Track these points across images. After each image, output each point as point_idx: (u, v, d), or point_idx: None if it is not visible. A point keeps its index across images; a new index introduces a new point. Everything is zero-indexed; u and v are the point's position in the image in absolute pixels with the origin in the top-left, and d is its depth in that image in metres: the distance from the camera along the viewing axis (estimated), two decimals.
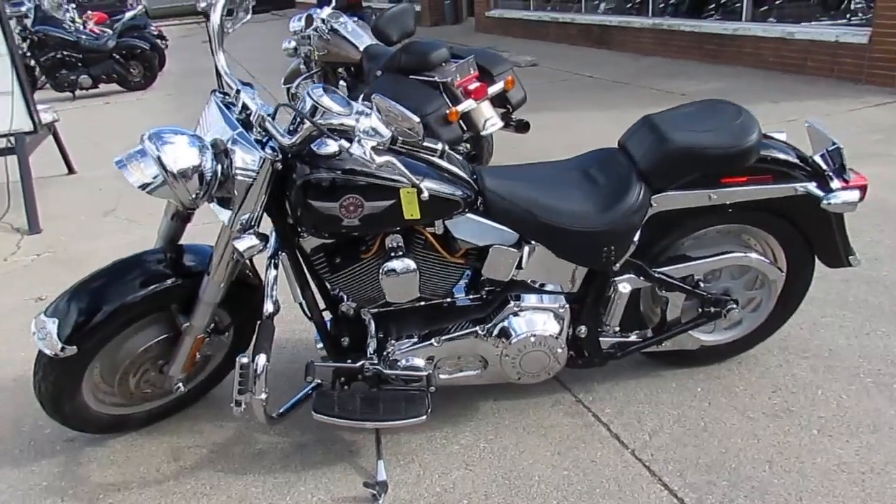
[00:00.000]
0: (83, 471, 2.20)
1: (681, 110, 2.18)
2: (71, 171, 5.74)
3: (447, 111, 4.14)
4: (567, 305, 2.14)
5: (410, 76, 4.35)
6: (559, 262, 2.09)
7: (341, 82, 5.27)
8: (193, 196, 1.84)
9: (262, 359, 1.87)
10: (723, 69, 7.84)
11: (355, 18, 5.38)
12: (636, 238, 2.05)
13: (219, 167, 1.88)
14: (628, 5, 10.05)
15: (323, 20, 5.17)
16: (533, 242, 2.06)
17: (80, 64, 9.47)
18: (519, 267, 2.11)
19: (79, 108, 9.15)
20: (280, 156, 1.84)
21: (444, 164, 1.98)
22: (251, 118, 1.90)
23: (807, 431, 2.13)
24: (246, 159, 1.85)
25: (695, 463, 2.05)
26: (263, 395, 1.89)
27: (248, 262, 2.18)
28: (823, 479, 1.95)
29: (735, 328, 2.39)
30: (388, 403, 2.08)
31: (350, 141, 1.72)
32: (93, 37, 9.90)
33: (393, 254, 2.01)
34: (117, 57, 9.67)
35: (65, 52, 9.33)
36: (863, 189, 2.11)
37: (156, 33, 11.04)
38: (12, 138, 4.60)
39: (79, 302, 2.00)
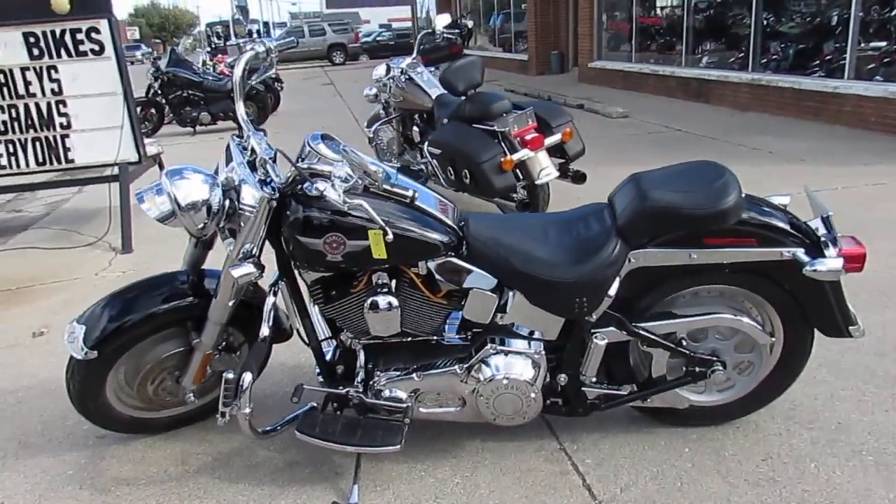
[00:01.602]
0: (104, 465, 2.46)
1: (667, 169, 2.22)
2: None
3: (502, 159, 4.29)
4: (543, 352, 2.20)
5: (473, 125, 4.56)
6: (538, 310, 2.17)
7: (415, 127, 5.55)
8: (200, 226, 2.09)
9: (248, 376, 2.06)
10: (821, 127, 7.56)
11: (432, 69, 5.68)
12: (612, 291, 2.10)
13: (227, 202, 2.12)
14: (730, 59, 9.88)
15: (401, 70, 5.50)
16: (512, 289, 2.16)
17: (202, 102, 10.40)
18: (503, 311, 2.22)
19: (197, 142, 10.02)
20: (276, 195, 2.06)
21: (431, 209, 2.13)
22: (257, 161, 2.14)
23: (785, 503, 2.07)
24: (249, 196, 2.08)
25: None
26: (248, 410, 2.08)
27: (258, 287, 2.40)
28: None
29: (727, 391, 2.36)
30: (367, 430, 2.21)
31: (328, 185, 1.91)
32: (217, 78, 10.85)
33: (379, 290, 2.17)
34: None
35: (189, 92, 10.29)
36: (854, 258, 2.07)
37: (273, 76, 11.92)
38: (117, 167, 5.16)
39: (105, 312, 2.28)
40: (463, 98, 4.85)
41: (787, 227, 2.10)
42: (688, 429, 2.43)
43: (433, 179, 5.20)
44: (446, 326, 2.31)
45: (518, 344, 2.22)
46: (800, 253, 2.07)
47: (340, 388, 2.30)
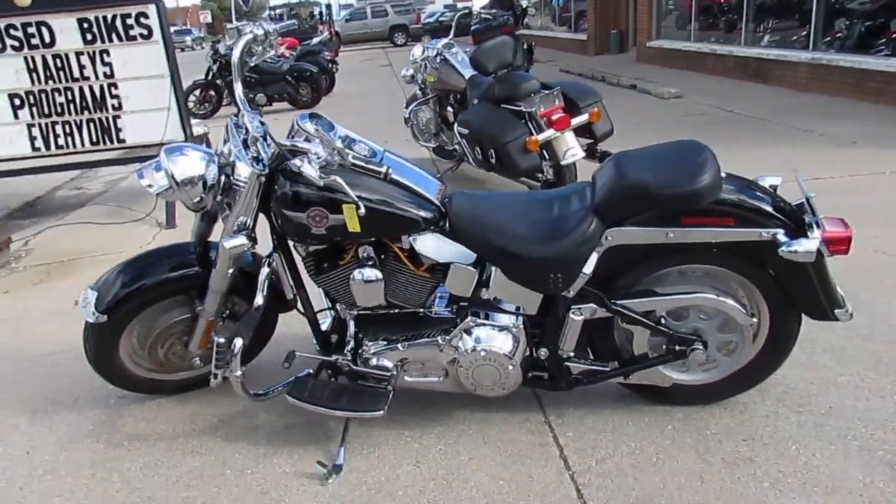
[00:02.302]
0: (120, 421, 2.66)
1: (648, 149, 2.23)
2: None
3: (527, 139, 4.32)
4: (521, 326, 2.26)
5: (502, 105, 4.59)
6: (517, 285, 2.22)
7: (449, 108, 5.61)
8: (196, 200, 2.23)
9: (238, 341, 2.20)
10: (881, 110, 7.22)
11: (468, 49, 5.71)
12: (589, 269, 2.13)
13: (222, 178, 2.25)
14: (793, 38, 9.50)
15: (437, 51, 5.55)
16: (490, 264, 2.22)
17: (258, 84, 10.70)
18: (486, 286, 2.29)
19: None
20: (266, 170, 2.17)
21: (413, 186, 2.21)
22: (249, 139, 2.26)
23: (757, 483, 2.08)
24: (242, 172, 2.21)
25: (626, 494, 2.08)
26: (239, 373, 2.23)
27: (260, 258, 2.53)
28: None
29: (711, 370, 2.36)
30: (353, 396, 2.32)
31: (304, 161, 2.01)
32: (273, 60, 11.10)
33: (364, 263, 2.26)
34: (289, 79, 10.80)
35: (246, 74, 10.56)
36: (838, 241, 2.03)
37: (329, 58, 12.14)
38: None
39: (116, 279, 2.45)
40: (493, 78, 4.88)
41: (768, 208, 2.09)
42: (675, 407, 2.45)
43: (465, 159, 5.26)
44: (436, 300, 2.39)
45: (498, 318, 2.28)
46: (780, 234, 2.05)
47: (333, 356, 2.41)
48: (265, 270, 2.33)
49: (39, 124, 5.49)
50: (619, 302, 2.21)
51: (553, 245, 2.11)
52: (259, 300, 2.30)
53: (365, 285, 2.25)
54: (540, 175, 4.52)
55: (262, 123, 2.32)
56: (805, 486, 2.04)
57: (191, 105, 10.79)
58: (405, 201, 2.16)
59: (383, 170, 2.03)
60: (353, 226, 2.11)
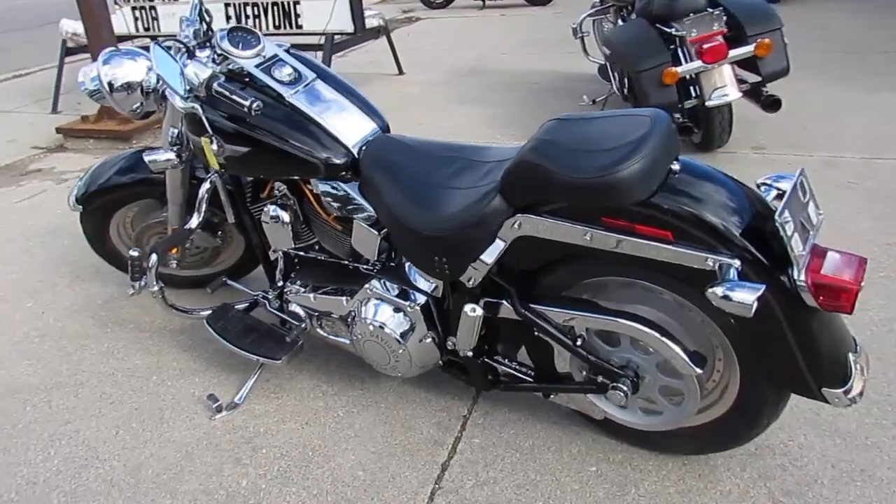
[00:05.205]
0: (122, 304, 2.84)
1: (597, 114, 1.64)
2: (400, 72, 6.54)
3: (665, 70, 3.60)
4: (418, 308, 1.89)
5: (657, 24, 3.85)
6: None
7: (620, 21, 4.85)
8: (134, 107, 2.16)
9: (153, 257, 2.17)
10: None
11: None
12: (489, 258, 1.68)
13: (161, 86, 2.15)
14: None
15: None
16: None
17: None
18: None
19: (481, 16, 10.05)
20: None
21: (326, 124, 1.90)
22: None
23: None
24: None
25: None
26: (156, 288, 2.21)
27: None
28: None
29: (653, 416, 1.79)
30: (260, 337, 2.19)
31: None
32: None
33: (277, 201, 2.05)
34: None
35: None
36: (830, 291, 1.36)
37: None
38: (324, 37, 5.47)
39: (99, 175, 2.52)
40: None
41: (732, 227, 1.44)
42: (618, 445, 1.94)
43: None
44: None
45: (396, 291, 1.93)
46: (734, 266, 1.41)
47: (261, 291, 2.29)
48: (204, 187, 2.23)
49: (234, 3, 5.88)
50: (530, 305, 1.74)
51: (440, 220, 1.70)
52: (193, 221, 2.22)
53: (271, 224, 2.06)
54: (677, 115, 3.75)
55: (202, 33, 2.12)
56: None
57: None
58: (297, 141, 1.87)
59: (247, 103, 1.74)
60: (211, 160, 1.89)
